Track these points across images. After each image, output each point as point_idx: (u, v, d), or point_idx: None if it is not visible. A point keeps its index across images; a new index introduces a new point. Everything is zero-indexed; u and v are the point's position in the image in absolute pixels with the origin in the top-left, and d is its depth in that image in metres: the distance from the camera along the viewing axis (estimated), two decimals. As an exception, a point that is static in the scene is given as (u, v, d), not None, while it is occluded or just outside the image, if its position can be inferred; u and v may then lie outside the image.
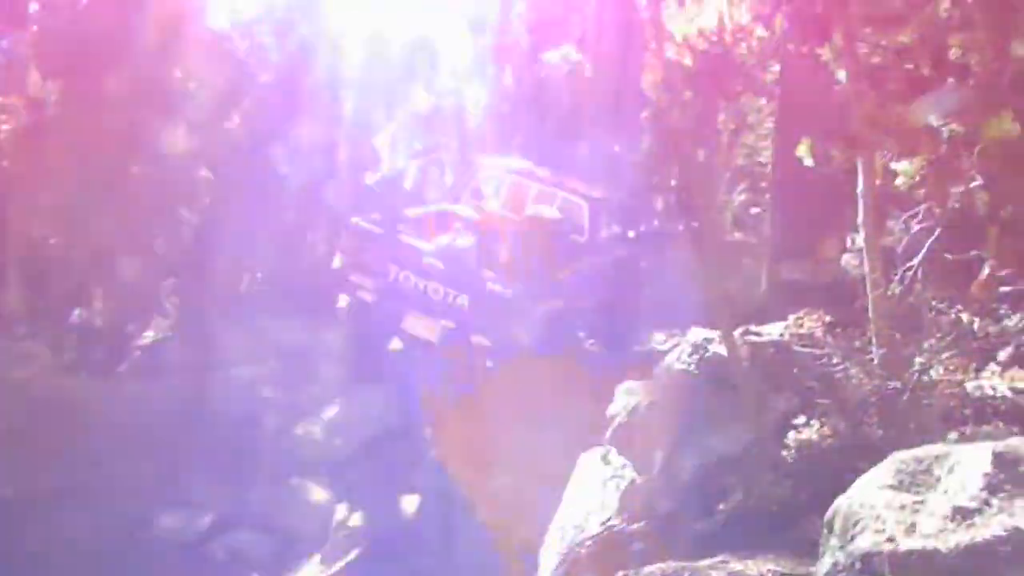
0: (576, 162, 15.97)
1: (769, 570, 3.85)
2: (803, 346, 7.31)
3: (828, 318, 7.88)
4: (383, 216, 12.40)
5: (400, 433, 12.17)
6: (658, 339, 11.41)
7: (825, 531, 3.35)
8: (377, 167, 24.06)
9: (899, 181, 5.85)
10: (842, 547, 3.22)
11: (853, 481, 4.94)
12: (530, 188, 13.28)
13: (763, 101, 13.33)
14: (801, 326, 7.99)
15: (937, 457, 3.10)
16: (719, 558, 4.19)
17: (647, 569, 4.37)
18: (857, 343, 6.82)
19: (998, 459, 2.65)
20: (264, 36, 19.99)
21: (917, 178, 5.76)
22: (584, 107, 23.23)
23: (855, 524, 2.95)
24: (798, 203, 11.78)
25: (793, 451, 5.70)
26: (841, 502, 3.11)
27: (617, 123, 23.63)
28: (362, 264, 11.76)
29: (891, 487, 3.02)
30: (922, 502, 2.86)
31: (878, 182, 6.09)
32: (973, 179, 6.49)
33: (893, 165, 5.83)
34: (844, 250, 9.37)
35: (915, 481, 3.03)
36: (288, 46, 20.47)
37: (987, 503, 2.48)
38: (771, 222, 12.71)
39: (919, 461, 3.12)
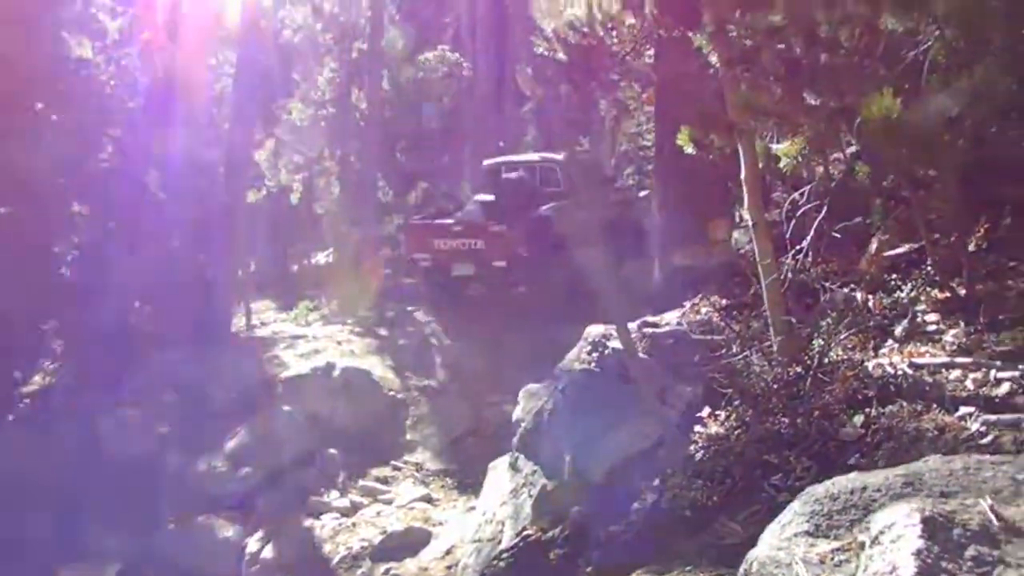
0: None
1: (688, 585, 3.66)
2: (702, 334, 7.24)
3: (723, 302, 7.84)
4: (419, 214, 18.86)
5: (307, 457, 11.84)
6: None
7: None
8: (261, 183, 23.60)
9: (782, 163, 5.78)
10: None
11: (764, 476, 4.88)
12: (501, 166, 18.25)
13: (640, 89, 13.41)
14: (697, 312, 7.94)
15: (852, 492, 2.85)
16: (635, 574, 4.02)
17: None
18: (755, 325, 6.76)
19: (928, 526, 2.36)
20: (130, 59, 19.42)
21: (799, 158, 5.70)
22: (465, 106, 23.14)
23: (771, 587, 2.63)
24: (683, 186, 11.79)
25: (701, 447, 5.60)
26: (753, 556, 2.80)
27: (499, 119, 23.61)
28: (419, 245, 16.65)
29: (807, 533, 2.75)
30: (843, 551, 2.59)
31: (760, 165, 6.03)
32: (855, 154, 6.49)
33: (774, 147, 5.75)
34: (734, 227, 9.36)
35: (833, 523, 2.77)
36: (156, 68, 19.92)
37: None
38: (658, 206, 12.71)
39: (834, 499, 2.85)
